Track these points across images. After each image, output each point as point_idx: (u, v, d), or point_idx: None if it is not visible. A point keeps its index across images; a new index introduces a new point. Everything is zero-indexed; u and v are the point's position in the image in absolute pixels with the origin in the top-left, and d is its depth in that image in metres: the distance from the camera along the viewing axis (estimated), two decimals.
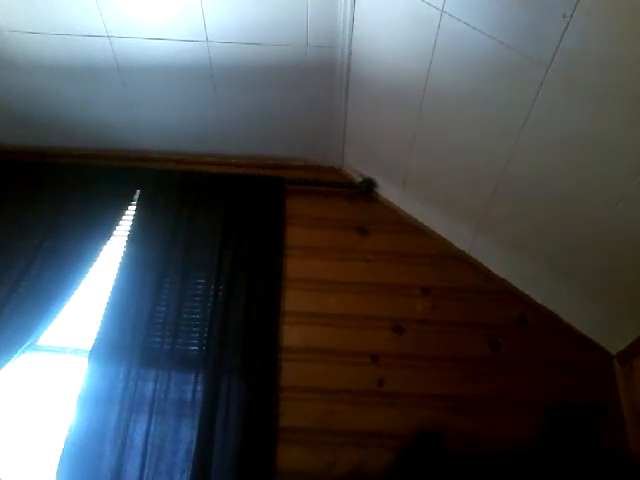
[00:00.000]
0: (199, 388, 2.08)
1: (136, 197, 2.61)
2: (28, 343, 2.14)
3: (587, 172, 1.80)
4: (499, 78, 1.80)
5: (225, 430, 2.00)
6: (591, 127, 1.67)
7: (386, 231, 2.63)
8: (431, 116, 2.14)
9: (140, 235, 2.45)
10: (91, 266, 2.37)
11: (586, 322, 2.34)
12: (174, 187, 2.60)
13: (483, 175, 2.16)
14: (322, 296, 2.43)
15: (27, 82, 2.45)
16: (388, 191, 2.69)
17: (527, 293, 2.45)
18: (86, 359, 2.13)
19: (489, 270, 2.51)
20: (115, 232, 2.49)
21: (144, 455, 1.93)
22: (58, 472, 1.89)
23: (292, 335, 2.32)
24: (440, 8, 1.76)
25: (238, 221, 2.50)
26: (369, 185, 2.69)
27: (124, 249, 2.41)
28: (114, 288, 2.29)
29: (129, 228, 2.49)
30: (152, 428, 1.98)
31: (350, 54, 2.23)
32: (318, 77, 2.35)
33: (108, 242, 2.45)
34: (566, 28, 1.50)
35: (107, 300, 2.25)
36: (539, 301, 2.43)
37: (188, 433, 1.99)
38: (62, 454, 1.92)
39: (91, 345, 2.15)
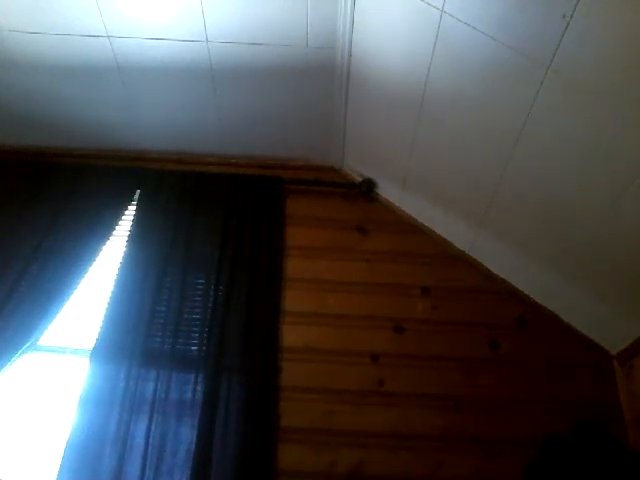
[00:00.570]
0: (199, 388, 2.08)
1: (136, 197, 2.61)
2: (28, 343, 2.14)
3: (587, 172, 1.80)
4: (499, 78, 1.80)
5: (225, 430, 2.00)
6: (591, 127, 1.67)
7: (386, 231, 2.63)
8: (431, 116, 2.14)
9: (140, 235, 2.45)
10: (91, 266, 2.37)
11: (586, 322, 2.34)
12: (174, 187, 2.60)
13: (483, 175, 2.16)
14: (322, 296, 2.43)
15: (27, 82, 2.45)
16: (388, 191, 2.69)
17: (527, 293, 2.45)
18: (86, 359, 2.13)
19: (489, 270, 2.51)
20: (115, 232, 2.49)
21: (145, 455, 1.93)
22: (59, 472, 1.89)
23: (292, 335, 2.32)
24: (440, 8, 1.76)
25: (238, 221, 2.50)
26: (369, 185, 2.69)
27: (124, 249, 2.41)
28: (114, 288, 2.29)
29: (129, 228, 2.49)
30: (152, 428, 1.98)
31: (350, 55, 2.23)
32: (318, 78, 2.36)
33: (108, 242, 2.45)
34: (566, 28, 1.50)
35: (107, 300, 2.25)
36: (539, 301, 2.43)
37: (188, 433, 1.99)
38: (63, 454, 1.92)
39: (92, 345, 2.15)
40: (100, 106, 2.55)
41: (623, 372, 2.27)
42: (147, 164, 2.75)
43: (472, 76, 1.87)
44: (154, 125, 2.65)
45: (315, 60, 2.27)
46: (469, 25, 1.72)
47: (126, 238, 2.46)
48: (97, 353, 2.12)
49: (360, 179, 2.73)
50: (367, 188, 2.69)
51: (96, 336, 2.17)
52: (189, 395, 2.07)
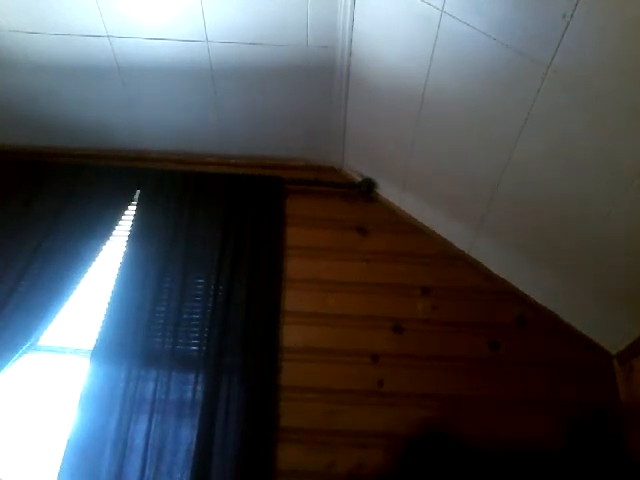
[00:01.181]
0: (199, 388, 2.08)
1: (136, 197, 2.61)
2: (28, 343, 2.14)
3: (587, 173, 1.80)
4: (499, 78, 1.80)
5: (225, 430, 2.00)
6: (591, 127, 1.67)
7: (386, 231, 2.63)
8: (431, 116, 2.14)
9: (140, 235, 2.45)
10: (91, 266, 2.37)
11: (586, 322, 2.34)
12: (174, 187, 2.60)
13: (483, 175, 2.16)
14: (322, 296, 2.43)
15: (27, 82, 2.45)
16: (388, 191, 2.69)
17: (527, 293, 2.45)
18: (86, 359, 2.13)
19: (489, 270, 2.51)
20: (115, 232, 2.49)
21: (145, 455, 1.93)
22: (59, 472, 1.89)
23: (292, 335, 2.32)
24: (440, 8, 1.76)
25: (238, 221, 2.50)
26: (369, 185, 2.69)
27: (124, 249, 2.41)
28: (114, 288, 2.29)
29: (129, 228, 2.49)
30: (152, 428, 1.98)
31: (350, 54, 2.23)
32: (318, 77, 2.35)
33: (108, 242, 2.45)
34: (566, 28, 1.50)
35: (108, 300, 2.25)
36: (539, 301, 2.43)
37: (188, 433, 1.99)
38: (63, 454, 1.92)
39: (93, 346, 2.15)
40: (100, 106, 2.55)
41: (623, 372, 2.27)
42: (147, 164, 2.75)
43: (472, 76, 1.87)
44: (154, 125, 2.65)
45: (315, 60, 2.27)
46: (469, 25, 1.72)
47: (126, 238, 2.46)
48: (97, 353, 2.12)
49: (360, 179, 2.73)
50: (367, 188, 2.69)
51: (96, 336, 2.17)
52: (189, 395, 2.06)
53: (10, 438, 2.13)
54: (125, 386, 2.05)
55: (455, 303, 2.44)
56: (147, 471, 1.91)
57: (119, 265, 2.36)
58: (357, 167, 2.75)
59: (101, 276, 2.42)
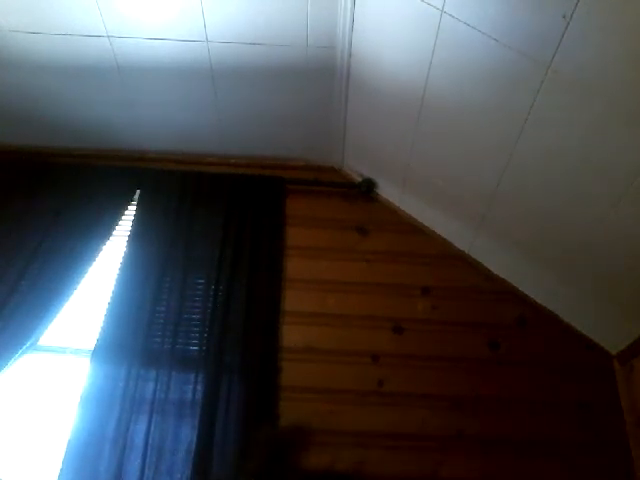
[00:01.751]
0: (199, 388, 2.08)
1: (136, 197, 2.61)
2: (29, 343, 2.14)
3: (587, 173, 1.80)
4: (499, 78, 1.80)
5: (225, 430, 2.00)
6: (591, 127, 1.67)
7: (386, 231, 2.63)
8: (431, 116, 2.14)
9: (140, 235, 2.45)
10: (91, 266, 2.37)
11: (586, 322, 2.34)
12: (174, 187, 2.60)
13: (483, 175, 2.16)
14: (322, 296, 2.43)
15: (27, 82, 2.45)
16: (388, 191, 2.69)
17: (527, 293, 2.45)
18: (86, 359, 2.13)
19: (489, 270, 2.51)
20: (115, 232, 2.49)
21: (144, 455, 1.93)
22: (60, 472, 1.89)
23: (292, 335, 2.32)
24: (440, 8, 1.76)
25: (238, 221, 2.50)
26: (369, 185, 2.69)
27: (124, 249, 2.41)
28: (115, 288, 2.29)
29: (129, 228, 2.49)
30: (152, 428, 1.99)
31: (350, 55, 2.22)
32: (318, 77, 2.35)
33: (108, 242, 2.45)
34: (566, 28, 1.50)
35: (108, 300, 2.25)
36: (539, 301, 2.43)
37: (188, 433, 1.99)
38: (63, 454, 1.92)
39: (93, 346, 2.15)
40: (100, 106, 2.55)
41: (623, 372, 2.27)
42: (147, 164, 2.75)
43: (472, 76, 1.87)
44: (154, 125, 2.65)
45: (315, 60, 2.27)
46: (469, 25, 1.72)
47: (126, 238, 2.46)
48: (97, 353, 2.12)
49: (360, 179, 2.73)
50: (367, 188, 2.69)
51: (97, 336, 2.17)
52: (189, 395, 2.07)
53: (10, 438, 2.13)
54: (125, 386, 2.05)
55: (455, 303, 2.44)
56: (147, 471, 1.92)
57: (119, 265, 2.36)
58: (357, 167, 2.75)
59: (101, 276, 2.42)
